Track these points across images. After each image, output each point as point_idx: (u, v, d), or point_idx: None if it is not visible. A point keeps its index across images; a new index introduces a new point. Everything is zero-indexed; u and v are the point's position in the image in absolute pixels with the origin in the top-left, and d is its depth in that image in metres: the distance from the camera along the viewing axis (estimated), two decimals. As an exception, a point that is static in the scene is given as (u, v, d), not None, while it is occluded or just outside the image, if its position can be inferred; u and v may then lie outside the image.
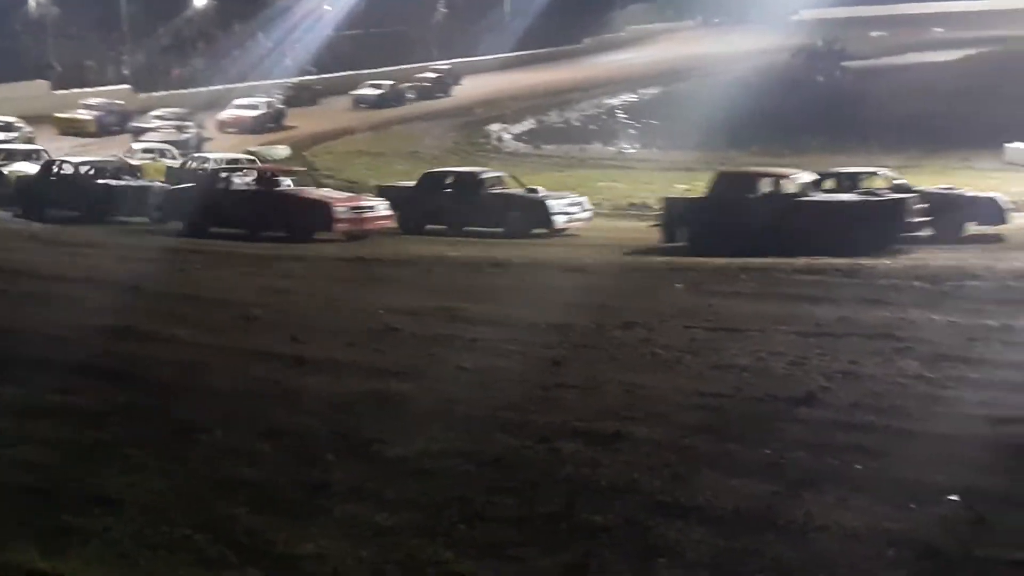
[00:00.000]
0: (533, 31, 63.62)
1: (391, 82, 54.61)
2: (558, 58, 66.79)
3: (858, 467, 6.29)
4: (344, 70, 57.26)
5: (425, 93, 55.50)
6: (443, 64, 60.48)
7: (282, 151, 38.31)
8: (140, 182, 25.76)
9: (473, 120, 48.47)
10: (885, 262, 15.26)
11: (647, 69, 59.85)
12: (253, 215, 21.20)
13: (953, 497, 5.71)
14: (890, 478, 6.08)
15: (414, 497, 5.99)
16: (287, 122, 47.19)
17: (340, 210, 20.68)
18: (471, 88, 56.09)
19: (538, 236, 20.74)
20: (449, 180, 23.29)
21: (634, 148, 41.25)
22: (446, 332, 10.69)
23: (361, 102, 52.83)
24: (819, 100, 44.25)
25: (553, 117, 49.95)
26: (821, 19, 64.10)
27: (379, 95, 53.16)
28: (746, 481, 6.13)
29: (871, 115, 39.95)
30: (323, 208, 20.80)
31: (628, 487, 6.07)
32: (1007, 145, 32.79)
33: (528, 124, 48.02)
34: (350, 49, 60.22)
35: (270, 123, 46.12)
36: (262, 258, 17.59)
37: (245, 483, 6.27)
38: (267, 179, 22.71)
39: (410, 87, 55.38)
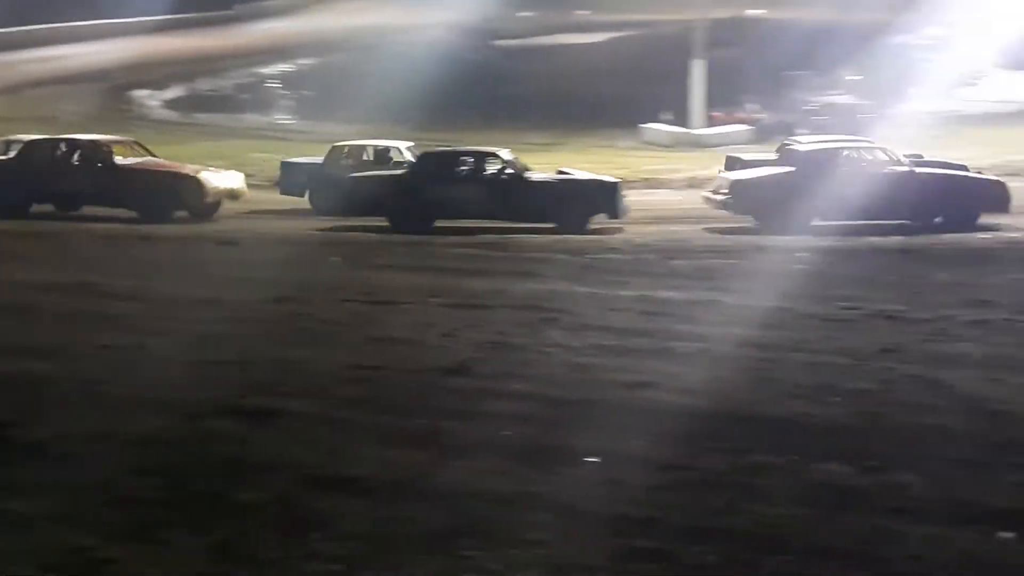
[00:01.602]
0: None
1: None
2: (209, 23, 64.75)
3: (507, 433, 6.50)
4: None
5: None
6: None
7: None
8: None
9: (117, 85, 46.22)
10: (539, 237, 15.87)
11: (302, 39, 59.10)
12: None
13: (593, 459, 6.00)
14: (537, 443, 6.32)
15: (54, 482, 5.66)
16: None
17: None
18: (115, 51, 53.36)
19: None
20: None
21: (289, 119, 40.75)
22: (87, 308, 10.18)
23: None
24: (472, 77, 45.26)
25: (204, 85, 48.50)
26: (473, -3, 65.47)
27: None
28: (401, 451, 6.20)
29: (521, 93, 41.36)
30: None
31: (281, 463, 5.99)
32: (642, 126, 34.79)
33: (177, 91, 46.39)
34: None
35: None
36: None
37: None
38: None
39: None
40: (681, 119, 34.99)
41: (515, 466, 5.92)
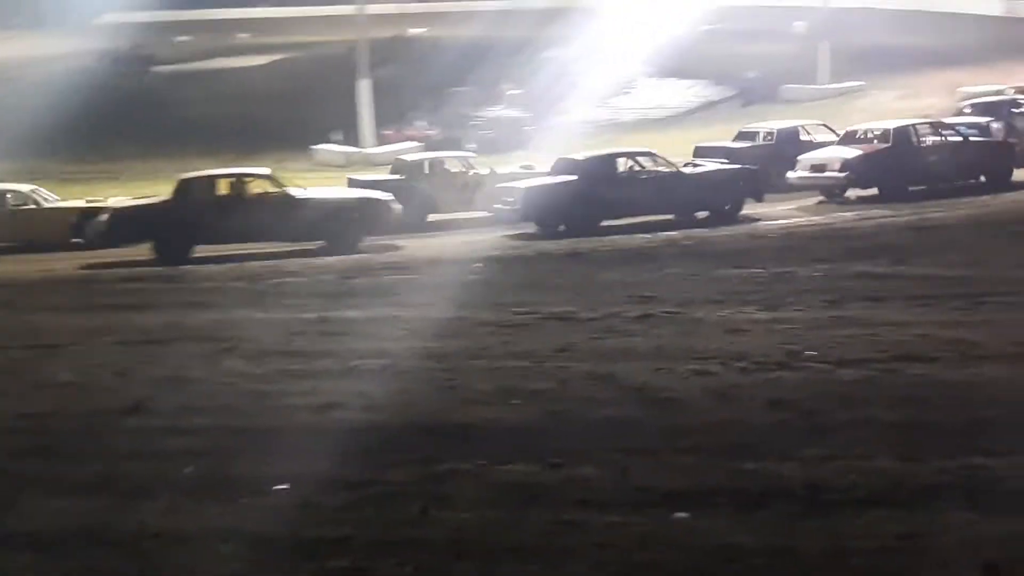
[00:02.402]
0: None
1: None
2: None
3: (189, 470, 6.30)
4: None
5: None
6: None
7: None
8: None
9: None
10: (210, 266, 15.49)
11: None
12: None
13: (282, 486, 5.91)
14: (220, 476, 6.16)
15: None
16: None
17: None
18: None
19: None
20: None
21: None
22: None
23: None
24: (129, 106, 43.69)
25: None
26: (123, 23, 63.08)
27: None
28: (77, 499, 5.90)
29: (185, 119, 40.30)
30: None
31: (-56, 526, 5.57)
32: (313, 147, 34.70)
33: None
34: None
35: None
36: None
37: None
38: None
39: None
40: (352, 139, 35.13)
41: (200, 503, 5.75)
